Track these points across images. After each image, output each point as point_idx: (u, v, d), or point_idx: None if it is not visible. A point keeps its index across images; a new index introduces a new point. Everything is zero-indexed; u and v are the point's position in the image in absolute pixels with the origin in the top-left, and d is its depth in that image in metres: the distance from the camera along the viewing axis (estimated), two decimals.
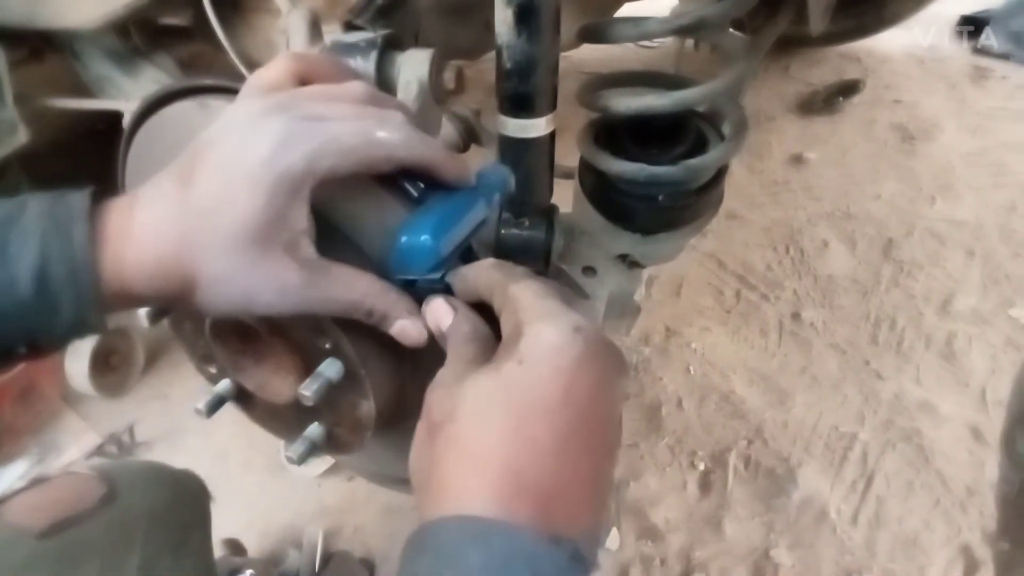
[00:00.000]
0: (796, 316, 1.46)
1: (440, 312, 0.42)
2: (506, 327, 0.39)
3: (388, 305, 0.43)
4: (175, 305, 0.54)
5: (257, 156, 0.38)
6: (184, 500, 0.71)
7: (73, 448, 1.27)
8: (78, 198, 0.39)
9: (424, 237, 0.43)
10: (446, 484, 0.34)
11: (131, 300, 0.40)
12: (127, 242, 0.39)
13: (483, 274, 0.43)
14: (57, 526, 0.56)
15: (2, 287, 0.36)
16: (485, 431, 0.34)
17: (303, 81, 0.45)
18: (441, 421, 0.36)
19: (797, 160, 1.88)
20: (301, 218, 0.40)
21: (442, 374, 0.39)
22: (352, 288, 0.42)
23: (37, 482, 0.62)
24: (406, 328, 0.44)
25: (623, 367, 0.38)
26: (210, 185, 0.38)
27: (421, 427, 0.38)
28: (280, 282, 0.40)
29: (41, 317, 0.38)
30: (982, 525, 1.09)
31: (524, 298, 0.39)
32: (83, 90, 1.15)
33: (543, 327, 0.36)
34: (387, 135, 0.41)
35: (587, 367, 0.35)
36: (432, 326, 0.43)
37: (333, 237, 0.44)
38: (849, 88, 2.06)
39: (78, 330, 0.40)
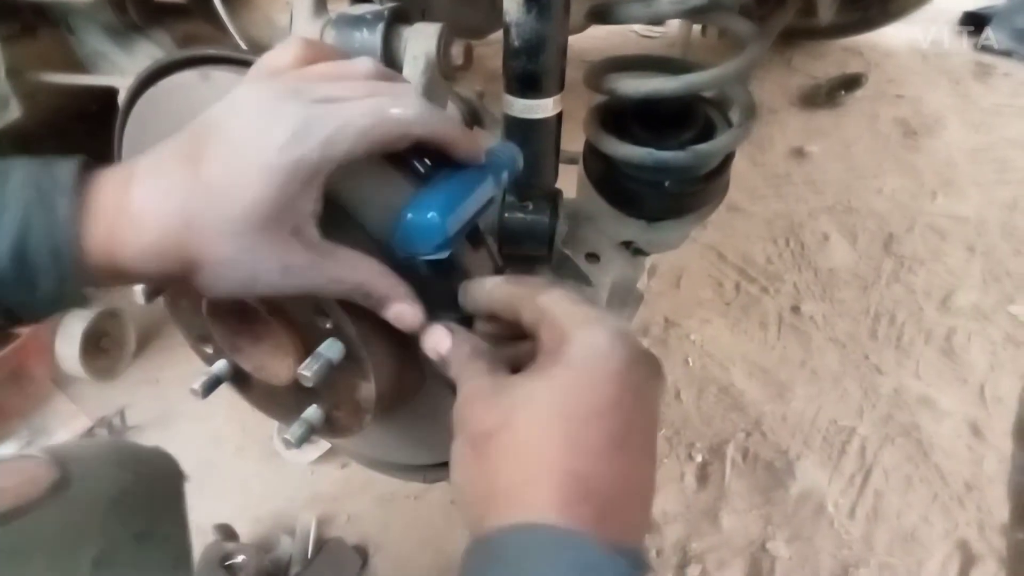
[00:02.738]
0: (796, 309, 1.45)
1: (438, 336, 0.43)
2: (545, 336, 0.39)
3: (387, 288, 0.43)
4: (170, 284, 0.53)
5: (274, 144, 0.36)
6: (151, 483, 0.67)
7: (63, 431, 1.25)
8: (65, 168, 0.37)
9: (431, 214, 0.41)
10: (508, 492, 0.34)
11: (121, 278, 0.39)
12: (122, 219, 0.37)
13: (499, 290, 0.43)
14: (1, 518, 0.52)
15: None
16: (545, 437, 0.34)
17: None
18: (492, 431, 0.36)
19: (799, 153, 1.87)
20: (311, 202, 0.39)
21: (472, 389, 0.39)
22: (355, 270, 0.42)
23: None
24: (403, 312, 0.43)
25: (660, 371, 0.38)
26: (222, 168, 0.37)
27: (461, 443, 0.38)
28: (284, 264, 0.39)
29: (19, 290, 0.36)
30: (980, 520, 1.09)
31: (562, 306, 0.39)
32: (77, 66, 1.13)
33: (590, 331, 0.37)
34: (401, 112, 0.40)
35: (633, 370, 0.36)
36: (432, 354, 0.43)
37: (336, 215, 0.43)
38: (852, 82, 2.05)
39: (58, 305, 0.38)
